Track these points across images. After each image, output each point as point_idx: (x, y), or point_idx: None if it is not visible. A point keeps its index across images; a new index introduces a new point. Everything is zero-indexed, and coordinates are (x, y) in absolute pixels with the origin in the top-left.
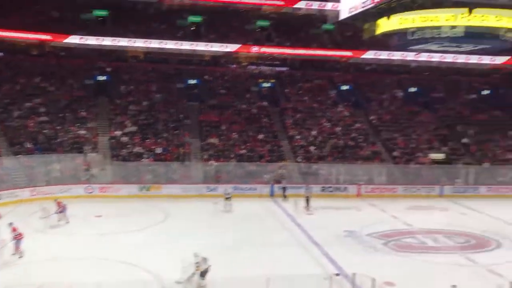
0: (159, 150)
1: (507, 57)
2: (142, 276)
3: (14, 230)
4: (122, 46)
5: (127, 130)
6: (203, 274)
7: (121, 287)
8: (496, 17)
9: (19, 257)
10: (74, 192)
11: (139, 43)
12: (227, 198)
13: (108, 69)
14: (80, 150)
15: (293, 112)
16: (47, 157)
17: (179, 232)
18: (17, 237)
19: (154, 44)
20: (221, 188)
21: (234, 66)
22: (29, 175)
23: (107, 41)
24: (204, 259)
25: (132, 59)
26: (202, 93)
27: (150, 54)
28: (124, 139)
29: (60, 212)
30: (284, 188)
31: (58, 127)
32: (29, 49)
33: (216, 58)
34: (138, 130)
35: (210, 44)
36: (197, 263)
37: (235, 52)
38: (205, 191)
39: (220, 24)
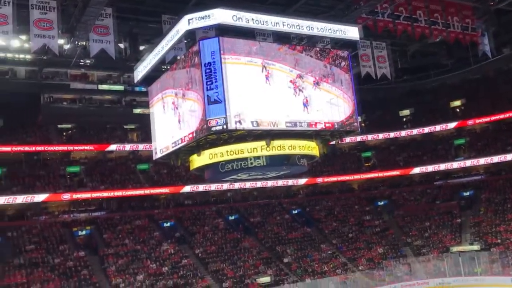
0: None
1: (306, 179)
2: None
3: None
4: None
5: None
6: None
7: None
8: (290, 146)
9: None
10: None
11: None
12: None
13: None
14: None
15: (115, 258)
16: None
17: None
18: None
19: None
20: None
21: (44, 217)
22: None
23: None
24: None
25: None
26: (5, 253)
27: None
28: None
29: None
30: None
31: None
32: None
33: (22, 211)
34: None
35: (12, 196)
36: None
37: (44, 202)
38: None
39: (24, 174)
